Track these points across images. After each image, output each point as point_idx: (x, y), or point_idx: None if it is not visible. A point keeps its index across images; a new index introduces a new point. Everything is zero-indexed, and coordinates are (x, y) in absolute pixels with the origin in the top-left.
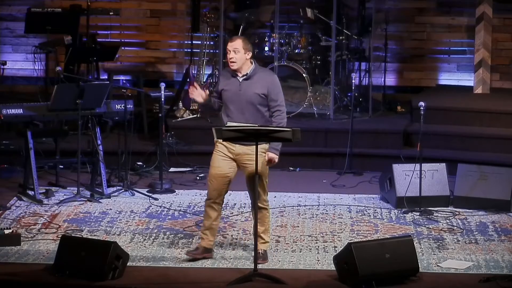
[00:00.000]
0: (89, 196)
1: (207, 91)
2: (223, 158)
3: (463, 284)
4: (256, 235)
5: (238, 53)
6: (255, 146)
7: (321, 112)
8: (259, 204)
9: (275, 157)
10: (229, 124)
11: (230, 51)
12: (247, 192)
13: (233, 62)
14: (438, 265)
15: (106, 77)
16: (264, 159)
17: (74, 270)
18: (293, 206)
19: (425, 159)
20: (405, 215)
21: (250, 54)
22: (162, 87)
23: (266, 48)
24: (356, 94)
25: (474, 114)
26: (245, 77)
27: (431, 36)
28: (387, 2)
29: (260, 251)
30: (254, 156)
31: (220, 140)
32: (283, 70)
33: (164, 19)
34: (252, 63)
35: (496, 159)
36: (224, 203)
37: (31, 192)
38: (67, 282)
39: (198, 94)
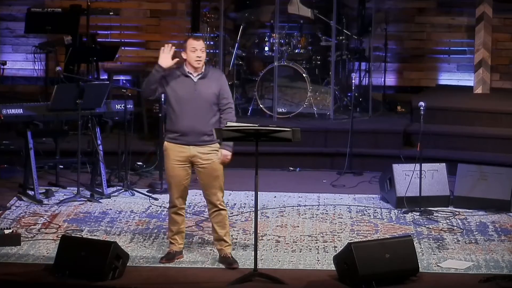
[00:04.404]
0: (89, 196)
1: (174, 62)
2: (178, 165)
3: (463, 284)
4: (256, 234)
5: (203, 53)
6: (213, 144)
7: (321, 112)
8: (220, 206)
9: (229, 154)
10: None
11: (197, 50)
12: (247, 192)
13: (200, 61)
14: (438, 265)
15: (106, 77)
16: (218, 158)
17: (74, 270)
18: (293, 206)
19: (425, 159)
20: (405, 215)
21: None
22: None
23: (266, 48)
24: (356, 94)
25: (474, 114)
26: (200, 76)
27: (431, 36)
28: (387, 2)
29: (229, 256)
30: (209, 155)
31: (169, 146)
32: (283, 70)
33: (164, 19)
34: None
35: (496, 159)
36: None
37: (31, 192)
38: (67, 282)
39: (167, 57)
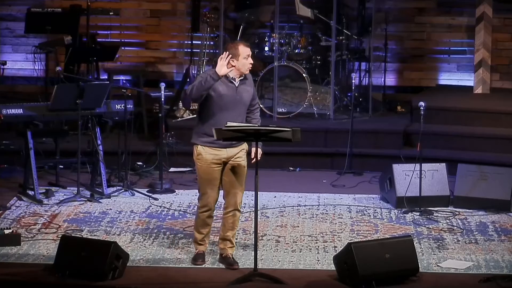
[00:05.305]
0: (89, 196)
1: (229, 70)
2: (215, 167)
3: (463, 284)
4: (256, 234)
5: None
6: (243, 144)
7: (321, 112)
8: (238, 207)
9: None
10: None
11: (249, 56)
12: (247, 192)
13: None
14: (438, 265)
15: (106, 77)
16: (252, 158)
17: (74, 270)
18: (293, 206)
19: (425, 159)
20: (405, 215)
21: None
22: (162, 87)
23: (266, 48)
24: (356, 94)
25: (474, 114)
26: (241, 79)
27: (431, 36)
28: (387, 2)
29: (231, 256)
30: (243, 153)
31: (204, 150)
32: (283, 70)
33: (164, 19)
34: None
35: (496, 159)
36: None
37: (31, 192)
38: (67, 282)
39: (224, 65)
